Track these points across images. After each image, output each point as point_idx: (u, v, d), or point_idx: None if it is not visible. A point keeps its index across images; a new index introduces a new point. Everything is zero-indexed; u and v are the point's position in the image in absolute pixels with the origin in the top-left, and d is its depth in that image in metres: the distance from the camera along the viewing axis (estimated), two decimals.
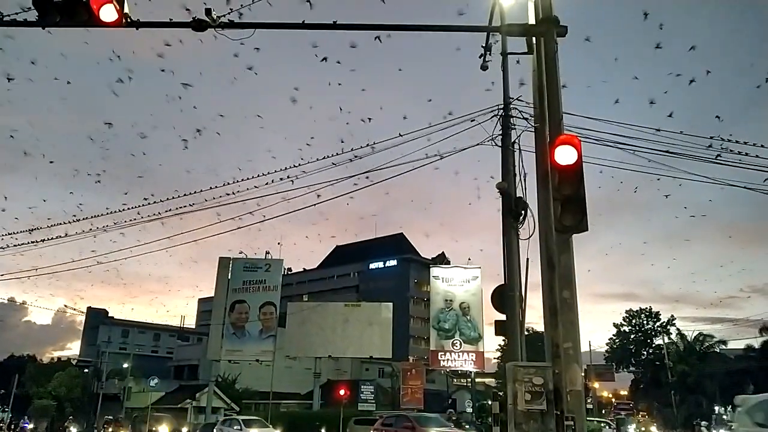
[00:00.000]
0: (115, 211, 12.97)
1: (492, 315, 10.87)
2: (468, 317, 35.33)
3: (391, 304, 43.77)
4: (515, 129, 9.75)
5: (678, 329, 54.83)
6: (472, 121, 9.87)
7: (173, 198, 12.24)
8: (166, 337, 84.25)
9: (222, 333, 38.31)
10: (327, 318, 42.03)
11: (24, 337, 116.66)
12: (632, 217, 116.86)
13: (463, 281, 36.25)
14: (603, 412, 54.98)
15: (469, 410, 44.34)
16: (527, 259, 9.05)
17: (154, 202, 12.40)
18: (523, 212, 9.15)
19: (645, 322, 59.95)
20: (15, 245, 14.24)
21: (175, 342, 76.59)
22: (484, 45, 10.71)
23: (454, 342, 34.97)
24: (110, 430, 41.29)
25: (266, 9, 7.82)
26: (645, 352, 58.70)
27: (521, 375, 6.28)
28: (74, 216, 13.65)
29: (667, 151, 9.13)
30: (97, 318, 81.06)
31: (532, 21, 7.45)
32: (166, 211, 12.29)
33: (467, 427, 33.42)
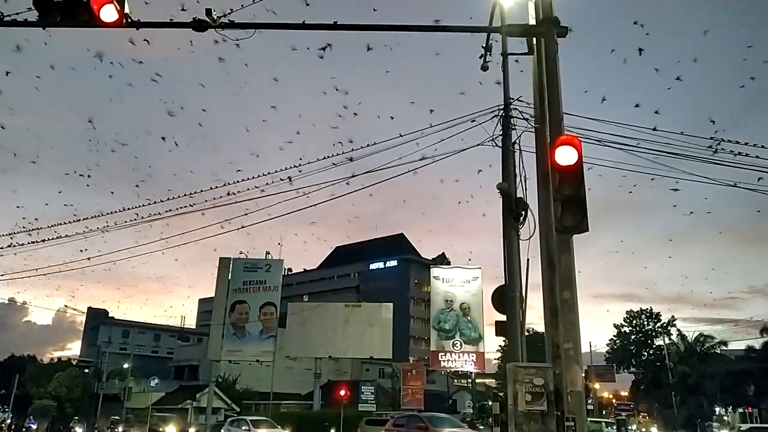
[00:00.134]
0: (115, 212, 12.97)
1: (492, 315, 10.88)
2: (468, 318, 35.30)
3: (391, 304, 43.77)
4: (516, 129, 9.76)
5: (678, 330, 54.79)
6: (472, 121, 9.87)
7: (173, 198, 12.25)
8: (166, 337, 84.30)
9: (222, 333, 38.31)
10: (327, 318, 42.04)
11: (24, 338, 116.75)
12: (632, 218, 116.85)
13: (464, 282, 36.22)
14: (603, 412, 54.93)
15: (470, 411, 44.34)
16: (528, 259, 9.05)
17: (154, 203, 12.41)
18: (523, 213, 9.14)
19: (645, 322, 59.91)
20: (12, 245, 14.23)
21: (175, 342, 76.62)
22: (484, 45, 10.72)
23: (455, 342, 34.93)
24: (119, 429, 41.07)
25: (266, 10, 7.82)
26: (645, 353, 58.63)
27: (522, 376, 6.27)
28: (74, 216, 13.63)
29: (662, 151, 9.12)
30: (97, 318, 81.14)
31: (532, 21, 7.45)
32: (167, 212, 12.29)
33: (481, 428, 33.31)
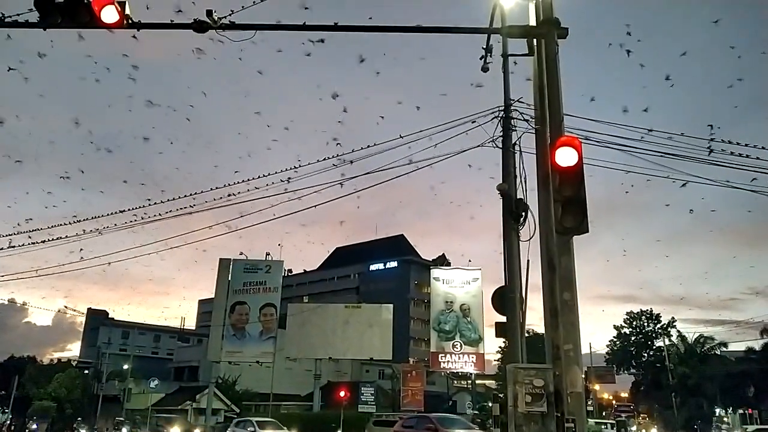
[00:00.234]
0: (114, 213, 12.96)
1: (492, 317, 10.88)
2: (468, 319, 35.29)
3: (391, 305, 43.77)
4: (516, 131, 9.76)
5: (678, 331, 54.72)
6: (472, 122, 9.88)
7: (172, 200, 12.24)
8: (166, 338, 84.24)
9: (222, 334, 38.29)
10: (327, 319, 42.02)
11: (24, 338, 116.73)
12: (632, 219, 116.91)
13: (464, 283, 36.22)
14: (603, 414, 54.90)
15: (477, 411, 44.25)
16: (528, 260, 9.06)
17: (154, 203, 12.40)
18: (523, 214, 9.15)
19: (645, 324, 59.83)
20: (11, 246, 14.22)
21: (175, 343, 76.53)
22: (484, 47, 10.73)
23: (455, 344, 34.91)
24: (125, 430, 40.89)
25: (266, 10, 7.83)
26: (645, 354, 58.56)
27: (522, 377, 6.27)
28: (74, 217, 13.61)
29: (657, 151, 9.13)
30: (97, 319, 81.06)
31: (532, 23, 7.45)
32: (166, 213, 12.28)
33: (496, 430, 33.07)
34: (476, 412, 43.81)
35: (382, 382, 54.09)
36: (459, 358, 34.78)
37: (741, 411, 48.64)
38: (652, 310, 60.25)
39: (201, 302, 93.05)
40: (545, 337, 6.44)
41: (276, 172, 11.19)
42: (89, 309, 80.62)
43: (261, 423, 28.27)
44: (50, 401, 49.82)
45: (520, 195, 9.33)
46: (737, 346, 50.44)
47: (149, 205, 12.52)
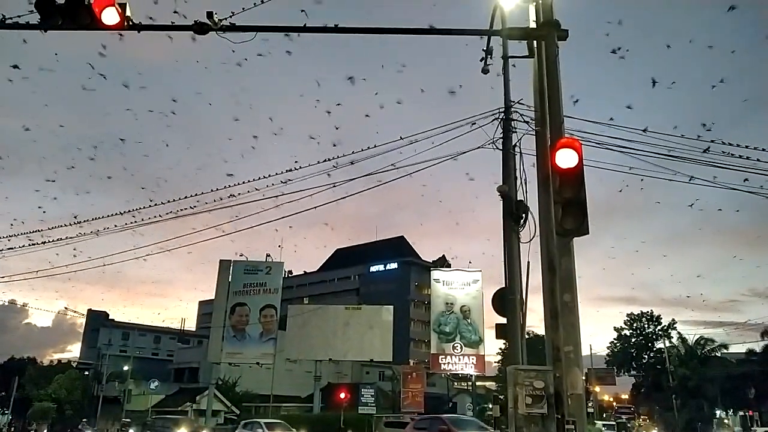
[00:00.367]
0: (114, 214, 12.97)
1: (493, 318, 10.88)
2: (469, 320, 35.27)
3: (391, 307, 43.74)
4: (516, 132, 9.77)
5: (679, 333, 54.74)
6: (473, 124, 9.88)
7: (173, 201, 12.24)
8: (166, 339, 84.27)
9: (222, 336, 38.27)
10: (327, 321, 41.99)
11: (24, 340, 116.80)
12: (633, 220, 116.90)
13: (464, 284, 36.20)
14: (604, 415, 54.85)
15: (470, 414, 44.19)
16: (528, 262, 9.05)
17: (155, 204, 12.42)
18: (523, 215, 9.15)
19: (646, 325, 59.76)
20: (10, 248, 14.24)
21: (175, 345, 76.60)
22: (485, 48, 10.73)
23: (455, 345, 34.88)
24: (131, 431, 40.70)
25: (267, 11, 7.84)
26: (646, 356, 58.51)
27: (522, 378, 6.26)
28: (75, 218, 13.62)
29: (652, 152, 9.14)
30: (97, 320, 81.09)
31: (533, 24, 7.46)
32: (167, 214, 12.29)
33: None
34: (490, 412, 43.73)
35: (383, 383, 54.06)
36: (459, 359, 34.75)
37: (741, 413, 48.59)
38: (652, 312, 60.23)
39: (201, 303, 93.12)
40: (545, 339, 6.43)
41: (275, 174, 11.21)
42: (89, 310, 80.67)
43: (269, 425, 27.70)
44: (50, 402, 49.85)
45: (520, 196, 9.34)
46: (738, 348, 50.47)
47: (149, 206, 12.54)
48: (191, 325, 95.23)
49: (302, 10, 8.81)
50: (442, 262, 64.98)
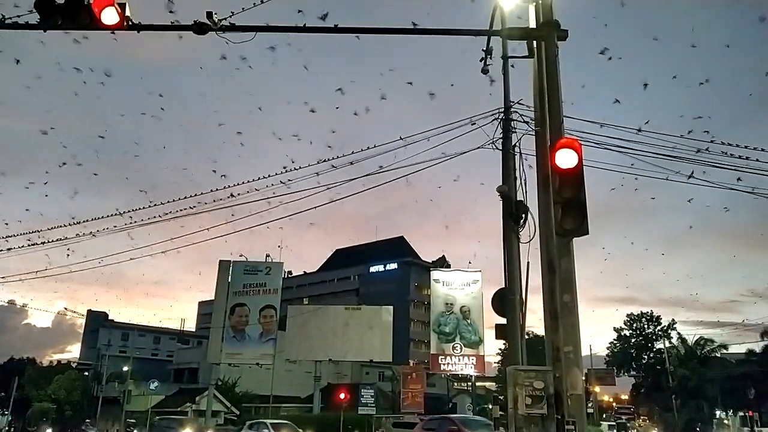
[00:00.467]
0: (113, 215, 12.96)
1: (492, 318, 10.87)
2: (468, 321, 35.24)
3: (391, 307, 43.76)
4: (516, 132, 9.77)
5: (679, 333, 54.76)
6: (472, 124, 9.88)
7: (173, 201, 12.23)
8: (166, 340, 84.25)
9: (222, 336, 38.27)
10: (327, 321, 42.00)
11: (24, 340, 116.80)
12: (632, 221, 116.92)
13: (464, 284, 36.17)
14: (604, 416, 54.85)
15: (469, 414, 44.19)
16: (528, 262, 9.05)
17: (154, 205, 12.40)
18: (523, 216, 9.14)
19: (646, 326, 59.78)
20: (10, 249, 14.22)
21: (175, 345, 76.60)
22: (484, 48, 10.73)
23: (455, 346, 34.85)
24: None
25: (266, 12, 7.83)
26: (646, 357, 58.53)
27: (522, 379, 6.26)
28: (74, 219, 13.61)
29: (649, 152, 9.13)
30: (97, 321, 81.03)
31: (533, 25, 7.46)
32: (166, 214, 12.28)
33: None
34: (502, 413, 43.66)
35: (382, 384, 54.08)
36: (459, 360, 34.71)
37: (741, 413, 48.52)
38: (652, 312, 60.26)
39: (201, 304, 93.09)
40: (545, 339, 6.42)
41: (275, 174, 11.21)
42: (89, 311, 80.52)
43: (276, 425, 27.32)
44: (50, 403, 49.82)
45: (520, 197, 9.33)
46: (737, 348, 50.45)
47: (149, 206, 12.53)
48: (191, 325, 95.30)
49: (299, 11, 8.82)
50: (442, 263, 65.09)
